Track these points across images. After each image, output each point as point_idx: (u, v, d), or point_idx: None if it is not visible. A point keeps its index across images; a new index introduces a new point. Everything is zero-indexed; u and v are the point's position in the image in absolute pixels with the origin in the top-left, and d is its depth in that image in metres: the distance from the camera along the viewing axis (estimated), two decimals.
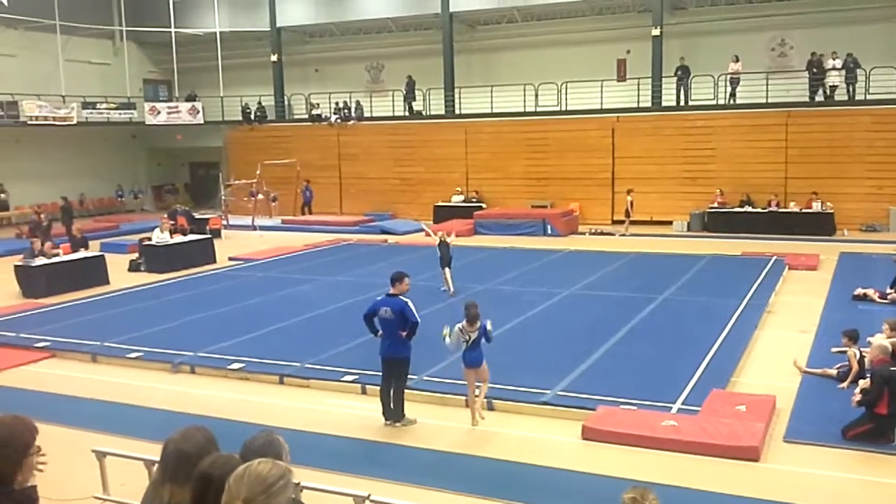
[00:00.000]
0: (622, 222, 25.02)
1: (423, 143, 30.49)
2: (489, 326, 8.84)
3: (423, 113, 31.36)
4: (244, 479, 2.46)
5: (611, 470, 7.63)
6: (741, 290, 15.19)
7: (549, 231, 24.82)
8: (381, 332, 8.98)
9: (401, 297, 8.94)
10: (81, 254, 18.50)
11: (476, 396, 8.92)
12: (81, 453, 7.37)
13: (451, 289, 15.55)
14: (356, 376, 10.43)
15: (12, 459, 2.89)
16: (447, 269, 15.72)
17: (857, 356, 9.85)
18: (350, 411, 9.56)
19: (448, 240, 15.93)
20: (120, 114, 33.45)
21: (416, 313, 8.81)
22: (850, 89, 25.13)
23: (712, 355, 11.12)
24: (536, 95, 28.97)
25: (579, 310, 14.60)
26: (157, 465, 3.24)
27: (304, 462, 6.45)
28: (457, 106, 30.60)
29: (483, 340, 8.81)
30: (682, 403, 9.24)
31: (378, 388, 9.24)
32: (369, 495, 5.92)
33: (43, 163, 31.43)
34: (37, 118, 29.72)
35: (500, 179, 29.17)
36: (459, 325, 8.79)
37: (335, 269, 19.37)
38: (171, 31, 33.25)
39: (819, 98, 25.55)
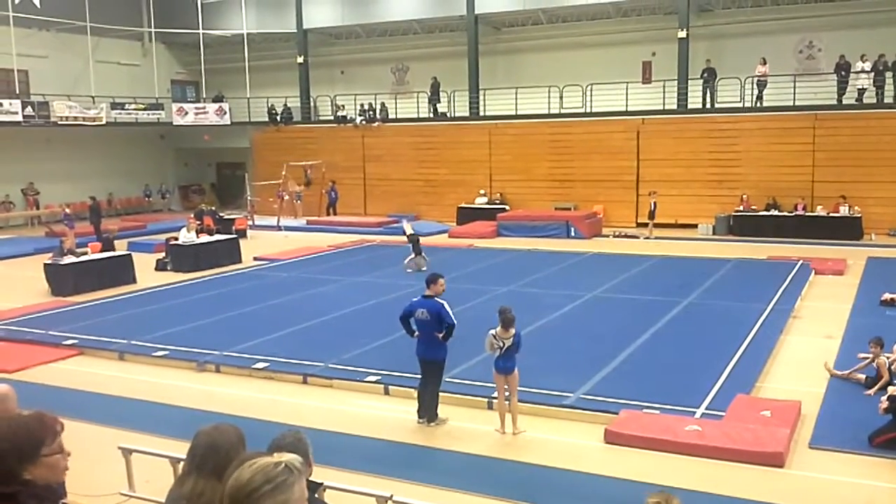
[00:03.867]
0: (647, 225, 24.89)
1: (448, 144, 30.52)
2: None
3: (448, 115, 31.38)
4: (227, 484, 2.36)
5: (634, 474, 7.59)
6: (767, 295, 15.06)
7: (573, 233, 24.72)
8: (417, 332, 9.01)
9: (437, 298, 8.93)
10: (109, 253, 18.71)
11: (507, 403, 8.78)
12: (108, 450, 7.49)
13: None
14: (379, 377, 10.48)
15: (15, 457, 2.80)
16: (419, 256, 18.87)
17: (887, 363, 9.73)
18: (373, 412, 9.60)
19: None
20: (148, 114, 33.82)
21: (452, 315, 8.82)
22: (880, 92, 24.82)
23: (737, 360, 11.04)
24: (561, 97, 28.87)
25: (603, 313, 14.55)
26: (186, 455, 3.26)
27: (327, 462, 6.50)
28: (481, 108, 30.60)
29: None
30: (707, 408, 9.18)
31: (416, 389, 9.31)
32: (392, 496, 5.96)
33: (72, 162, 31.89)
34: (67, 118, 30.13)
35: (524, 181, 29.11)
36: (493, 330, 8.59)
37: (359, 269, 19.46)
38: (198, 33, 33.61)
39: (848, 101, 25.24)
